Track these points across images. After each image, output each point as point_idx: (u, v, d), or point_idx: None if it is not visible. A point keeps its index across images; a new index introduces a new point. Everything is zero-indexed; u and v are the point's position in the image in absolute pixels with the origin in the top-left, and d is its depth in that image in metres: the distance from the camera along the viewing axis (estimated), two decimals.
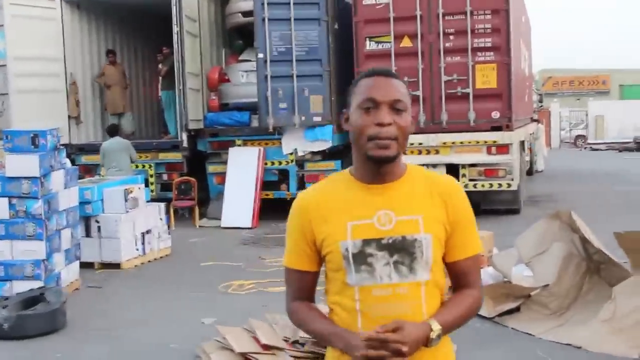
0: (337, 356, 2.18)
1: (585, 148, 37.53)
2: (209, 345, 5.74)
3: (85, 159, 14.86)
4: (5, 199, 7.92)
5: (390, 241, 2.10)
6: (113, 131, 13.81)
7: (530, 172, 20.07)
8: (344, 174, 2.28)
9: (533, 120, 25.97)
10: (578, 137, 40.64)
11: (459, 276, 2.23)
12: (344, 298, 2.16)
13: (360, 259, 2.10)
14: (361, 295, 2.12)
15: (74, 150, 14.92)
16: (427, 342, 2.06)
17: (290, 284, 2.32)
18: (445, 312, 2.15)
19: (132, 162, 13.36)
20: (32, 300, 7.22)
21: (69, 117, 15.08)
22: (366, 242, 2.10)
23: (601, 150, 35.19)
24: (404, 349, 1.97)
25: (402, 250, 2.10)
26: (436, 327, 2.07)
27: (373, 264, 2.10)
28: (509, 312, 6.58)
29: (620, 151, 33.42)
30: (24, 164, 7.93)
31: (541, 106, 29.13)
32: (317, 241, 2.19)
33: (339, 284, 2.17)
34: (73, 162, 14.17)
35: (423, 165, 12.02)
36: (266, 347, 5.39)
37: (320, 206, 2.20)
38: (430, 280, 2.14)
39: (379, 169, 2.14)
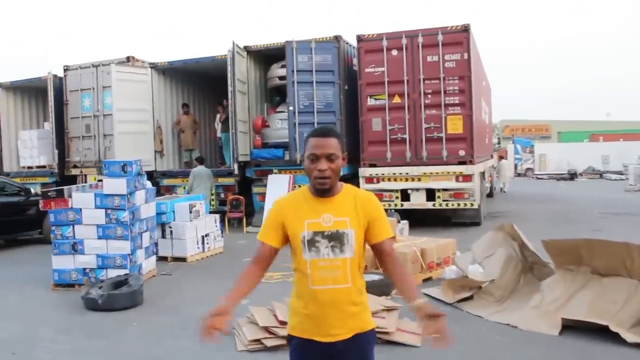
0: (302, 305, 2.53)
1: (532, 177, 37.07)
2: (242, 320, 5.67)
3: (166, 182, 15.00)
4: (102, 210, 7.95)
5: (329, 233, 2.47)
6: (202, 161, 13.93)
7: (490, 195, 19.83)
8: (304, 190, 2.60)
9: (500, 157, 25.88)
10: (527, 169, 40.11)
11: (382, 252, 2.55)
12: (300, 266, 2.51)
13: (311, 243, 2.47)
14: (311, 265, 2.47)
15: (159, 175, 15.07)
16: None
17: (257, 251, 2.60)
18: (412, 288, 2.51)
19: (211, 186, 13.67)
20: (119, 283, 7.23)
21: (155, 151, 15.24)
22: (315, 233, 2.47)
23: (544, 179, 34.75)
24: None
25: (336, 239, 2.46)
26: (421, 300, 2.43)
27: (319, 247, 2.46)
28: (465, 299, 6.45)
29: (557, 180, 32.99)
30: (116, 185, 7.96)
31: (499, 146, 28.86)
32: (286, 228, 2.53)
33: (298, 258, 2.51)
34: (157, 184, 14.34)
35: (408, 189, 12.10)
36: (282, 323, 5.31)
37: (290, 208, 2.55)
38: (353, 257, 2.48)
39: (322, 192, 2.51)
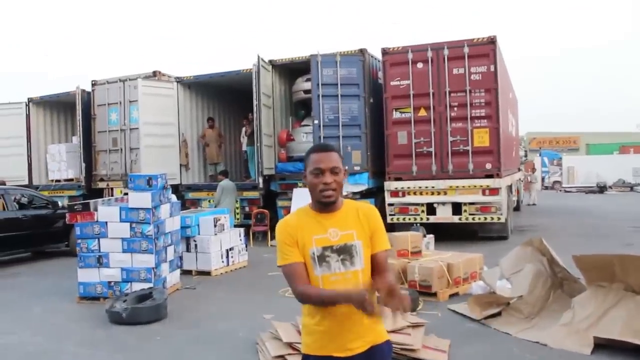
0: (316, 322, 2.49)
1: (560, 191, 36.49)
2: (265, 335, 5.61)
3: (191, 195, 15.10)
4: (127, 224, 7.97)
5: (338, 247, 2.49)
6: (226, 174, 13.98)
7: (517, 208, 19.53)
8: (307, 208, 2.59)
9: (533, 169, 25.56)
10: (555, 182, 39.53)
11: (378, 262, 2.54)
12: (312, 282, 2.48)
13: (321, 259, 2.47)
14: (323, 280, 2.47)
15: (184, 189, 15.17)
16: None
17: (292, 275, 2.49)
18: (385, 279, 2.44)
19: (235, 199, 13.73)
20: (143, 296, 7.23)
21: (181, 165, 15.34)
22: (324, 248, 2.48)
23: (572, 192, 34.19)
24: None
25: (345, 252, 2.48)
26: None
27: (329, 261, 2.47)
28: (493, 315, 6.30)
29: (586, 193, 32.44)
30: (141, 199, 7.98)
31: (526, 159, 28.49)
32: (298, 246, 2.50)
33: (308, 275, 2.49)
34: (183, 197, 14.42)
35: (434, 203, 11.97)
36: None
37: (297, 226, 2.53)
38: (364, 268, 2.50)
39: (327, 206, 2.53)
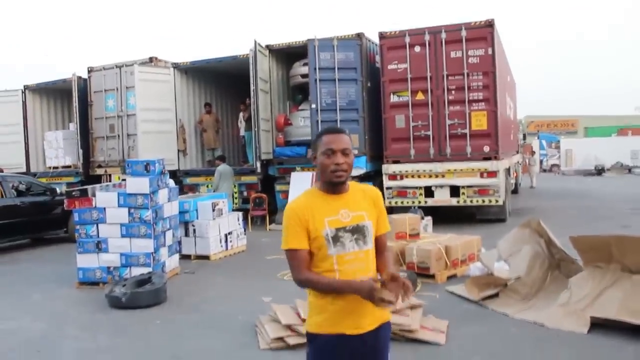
0: (329, 301, 2.51)
1: (558, 174, 36.51)
2: (264, 318, 5.64)
3: (189, 180, 15.10)
4: (126, 209, 7.98)
5: (350, 227, 2.55)
6: (224, 159, 13.99)
7: (515, 191, 19.54)
8: (314, 190, 2.64)
9: (533, 152, 25.52)
10: (553, 165, 39.54)
11: (380, 243, 2.68)
12: (324, 263, 2.53)
13: (335, 239, 2.52)
14: (338, 260, 2.52)
15: (182, 174, 15.15)
16: None
17: (295, 260, 2.54)
18: (393, 265, 2.71)
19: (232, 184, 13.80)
20: (143, 281, 7.25)
21: (178, 150, 15.33)
22: (338, 229, 2.53)
23: (570, 175, 34.22)
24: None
25: (358, 232, 2.56)
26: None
27: (343, 241, 2.52)
28: (490, 296, 6.33)
29: (584, 176, 32.47)
30: (139, 184, 7.98)
31: (524, 142, 28.47)
32: (308, 229, 2.52)
33: (321, 256, 2.53)
34: (181, 182, 14.41)
35: (432, 186, 11.98)
36: (305, 321, 5.25)
37: (307, 209, 2.54)
38: (372, 249, 2.61)
39: (336, 187, 2.58)
